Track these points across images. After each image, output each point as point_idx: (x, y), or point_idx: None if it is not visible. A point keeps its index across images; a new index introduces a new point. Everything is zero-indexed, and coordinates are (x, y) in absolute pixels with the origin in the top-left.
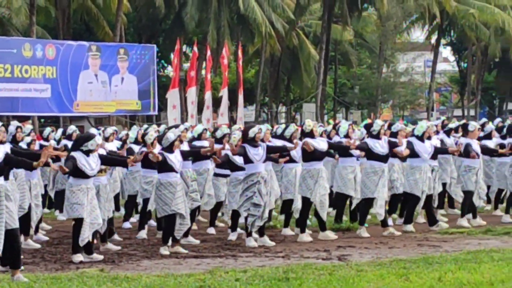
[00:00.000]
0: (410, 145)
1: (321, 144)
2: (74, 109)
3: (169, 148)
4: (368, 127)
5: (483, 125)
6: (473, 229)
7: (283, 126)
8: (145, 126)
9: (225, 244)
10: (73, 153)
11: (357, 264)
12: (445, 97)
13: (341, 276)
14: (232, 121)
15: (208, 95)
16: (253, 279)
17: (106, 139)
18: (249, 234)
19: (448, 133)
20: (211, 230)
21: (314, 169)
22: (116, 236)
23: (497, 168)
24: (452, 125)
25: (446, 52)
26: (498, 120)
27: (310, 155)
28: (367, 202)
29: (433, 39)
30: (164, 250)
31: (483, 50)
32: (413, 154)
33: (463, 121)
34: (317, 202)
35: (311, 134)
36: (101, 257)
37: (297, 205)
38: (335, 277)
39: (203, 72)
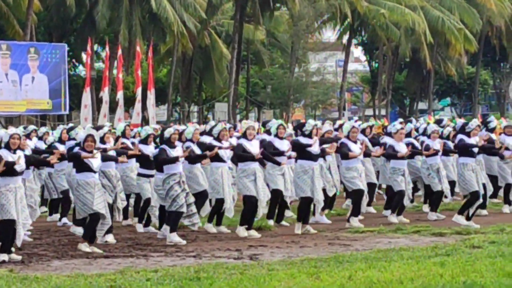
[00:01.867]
0: (342, 145)
1: (253, 147)
2: None
3: (83, 148)
4: (300, 126)
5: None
6: (384, 228)
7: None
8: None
9: (136, 244)
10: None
11: (268, 263)
12: (357, 96)
13: (252, 275)
14: (144, 120)
15: (120, 95)
16: (164, 278)
17: (27, 136)
18: (174, 230)
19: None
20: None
21: (249, 168)
22: (26, 237)
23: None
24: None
25: (357, 52)
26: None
27: (242, 156)
28: (304, 201)
29: (345, 39)
30: (84, 246)
31: (393, 50)
32: (347, 154)
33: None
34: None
35: (245, 136)
36: (19, 257)
37: (227, 204)
38: (246, 277)
39: (115, 71)
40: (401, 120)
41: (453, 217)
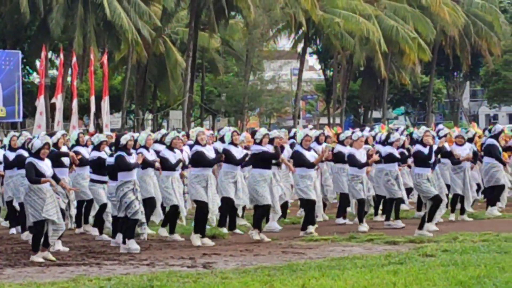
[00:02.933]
0: (296, 154)
1: (210, 152)
2: None
3: (37, 155)
4: (252, 134)
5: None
6: (337, 236)
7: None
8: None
9: (89, 252)
10: None
11: (222, 272)
12: (311, 105)
13: (205, 283)
14: (98, 128)
15: (74, 102)
16: (117, 287)
17: None
18: (131, 237)
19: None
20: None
21: (202, 174)
22: None
23: (376, 174)
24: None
25: (312, 60)
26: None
27: (201, 162)
28: (263, 209)
29: (299, 48)
30: (37, 257)
31: (348, 59)
32: (301, 163)
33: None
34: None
35: (197, 143)
36: None
37: (183, 212)
38: (199, 285)
39: (69, 79)
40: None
41: (422, 229)
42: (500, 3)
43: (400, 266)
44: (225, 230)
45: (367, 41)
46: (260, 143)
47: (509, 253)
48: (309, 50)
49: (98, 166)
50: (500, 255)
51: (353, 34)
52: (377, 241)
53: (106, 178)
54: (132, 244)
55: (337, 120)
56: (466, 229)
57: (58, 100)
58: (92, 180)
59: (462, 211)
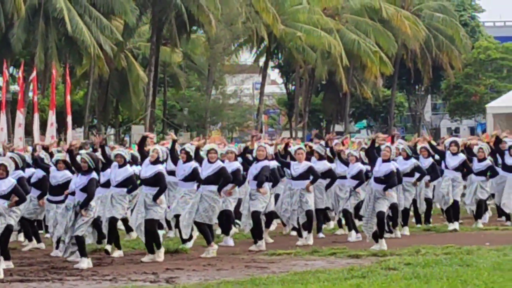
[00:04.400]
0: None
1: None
2: None
3: None
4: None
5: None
6: (300, 250)
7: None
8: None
9: (51, 268)
10: None
11: (185, 286)
12: (274, 119)
13: None
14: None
15: (36, 117)
16: None
17: None
18: (84, 255)
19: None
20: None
21: None
22: None
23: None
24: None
25: (274, 74)
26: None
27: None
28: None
29: (261, 62)
30: None
31: (310, 73)
32: None
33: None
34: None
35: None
36: None
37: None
38: None
39: (31, 94)
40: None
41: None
42: (460, 17)
43: (363, 279)
44: (189, 244)
45: (329, 55)
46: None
47: (471, 266)
48: (271, 64)
49: (54, 186)
50: (462, 268)
51: (315, 48)
52: (340, 254)
53: (61, 198)
54: (83, 263)
55: (300, 134)
56: (429, 242)
57: (20, 116)
58: (48, 200)
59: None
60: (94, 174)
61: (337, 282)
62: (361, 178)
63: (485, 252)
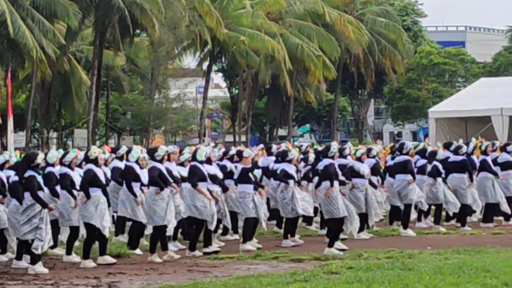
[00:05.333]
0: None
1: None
2: None
3: None
4: (151, 152)
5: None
6: (243, 254)
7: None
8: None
9: None
10: None
11: None
12: (217, 123)
13: None
14: (3, 147)
15: None
16: None
17: None
18: (35, 261)
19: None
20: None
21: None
22: None
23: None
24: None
25: (217, 78)
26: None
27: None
28: (159, 229)
29: (205, 66)
30: None
31: (253, 77)
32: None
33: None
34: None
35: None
36: None
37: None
38: None
39: None
40: (261, 145)
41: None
42: (403, 22)
43: (305, 283)
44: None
45: (273, 59)
46: (161, 161)
47: (413, 270)
48: (214, 68)
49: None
50: (404, 272)
51: (259, 52)
52: (282, 258)
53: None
54: (40, 268)
55: (243, 138)
56: (371, 246)
57: None
58: None
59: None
60: None
61: (279, 286)
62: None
63: (426, 256)
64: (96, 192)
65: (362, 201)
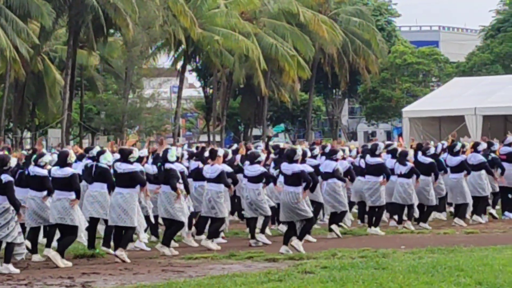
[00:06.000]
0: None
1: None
2: None
3: None
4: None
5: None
6: (217, 254)
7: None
8: None
9: None
10: None
11: None
12: (191, 122)
13: None
14: None
15: None
16: None
17: None
18: (9, 261)
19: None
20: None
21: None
22: None
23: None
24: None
25: (192, 78)
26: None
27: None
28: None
29: (179, 65)
30: None
31: (228, 77)
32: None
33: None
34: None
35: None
36: None
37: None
38: None
39: None
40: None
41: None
42: (377, 22)
43: (280, 283)
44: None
45: (247, 59)
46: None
47: (387, 269)
48: (188, 67)
49: None
50: (378, 271)
51: (233, 52)
52: (257, 258)
53: None
54: (11, 267)
55: (217, 138)
56: (345, 246)
57: None
58: None
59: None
60: None
61: (254, 285)
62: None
63: (400, 255)
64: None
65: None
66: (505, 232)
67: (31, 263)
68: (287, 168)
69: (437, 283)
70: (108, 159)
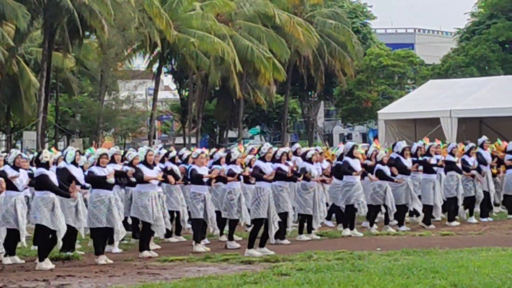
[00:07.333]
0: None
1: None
2: None
3: None
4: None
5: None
6: (193, 256)
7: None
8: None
9: None
10: None
11: None
12: (167, 125)
13: None
14: None
15: None
16: None
17: None
18: None
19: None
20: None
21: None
22: None
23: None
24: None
25: (167, 80)
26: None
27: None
28: (99, 232)
29: (155, 67)
30: None
31: (203, 79)
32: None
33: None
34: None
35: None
36: None
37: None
38: None
39: None
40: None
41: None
42: (352, 24)
43: (255, 285)
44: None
45: (222, 61)
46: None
47: (363, 271)
48: (164, 70)
49: None
50: (353, 273)
51: (208, 54)
52: (232, 260)
53: None
54: None
55: (193, 140)
56: (321, 248)
57: None
58: None
59: (310, 229)
60: None
61: None
62: None
63: (376, 257)
64: (49, 195)
65: (309, 203)
66: (480, 234)
67: (6, 266)
68: None
69: (412, 285)
70: (71, 158)
